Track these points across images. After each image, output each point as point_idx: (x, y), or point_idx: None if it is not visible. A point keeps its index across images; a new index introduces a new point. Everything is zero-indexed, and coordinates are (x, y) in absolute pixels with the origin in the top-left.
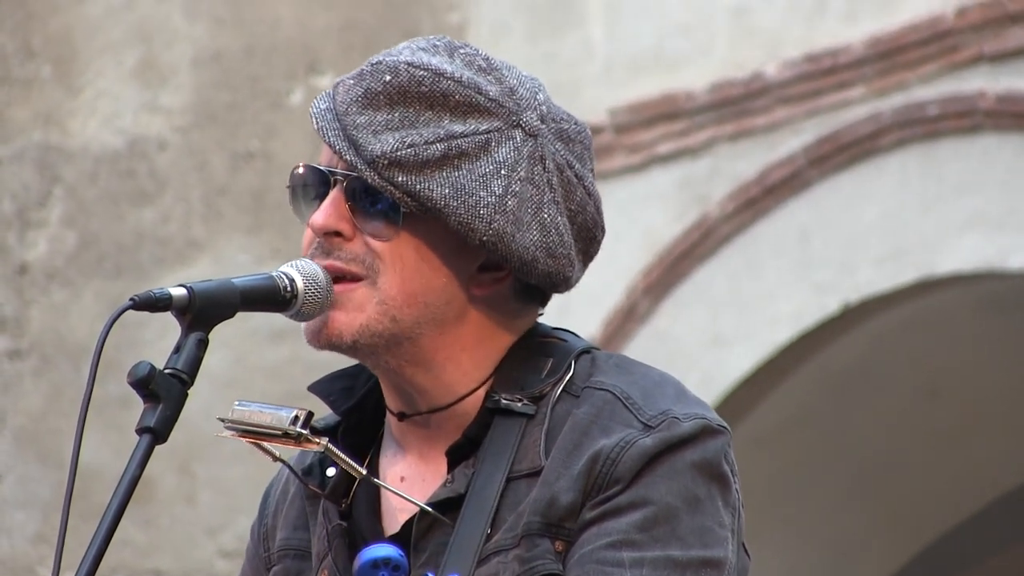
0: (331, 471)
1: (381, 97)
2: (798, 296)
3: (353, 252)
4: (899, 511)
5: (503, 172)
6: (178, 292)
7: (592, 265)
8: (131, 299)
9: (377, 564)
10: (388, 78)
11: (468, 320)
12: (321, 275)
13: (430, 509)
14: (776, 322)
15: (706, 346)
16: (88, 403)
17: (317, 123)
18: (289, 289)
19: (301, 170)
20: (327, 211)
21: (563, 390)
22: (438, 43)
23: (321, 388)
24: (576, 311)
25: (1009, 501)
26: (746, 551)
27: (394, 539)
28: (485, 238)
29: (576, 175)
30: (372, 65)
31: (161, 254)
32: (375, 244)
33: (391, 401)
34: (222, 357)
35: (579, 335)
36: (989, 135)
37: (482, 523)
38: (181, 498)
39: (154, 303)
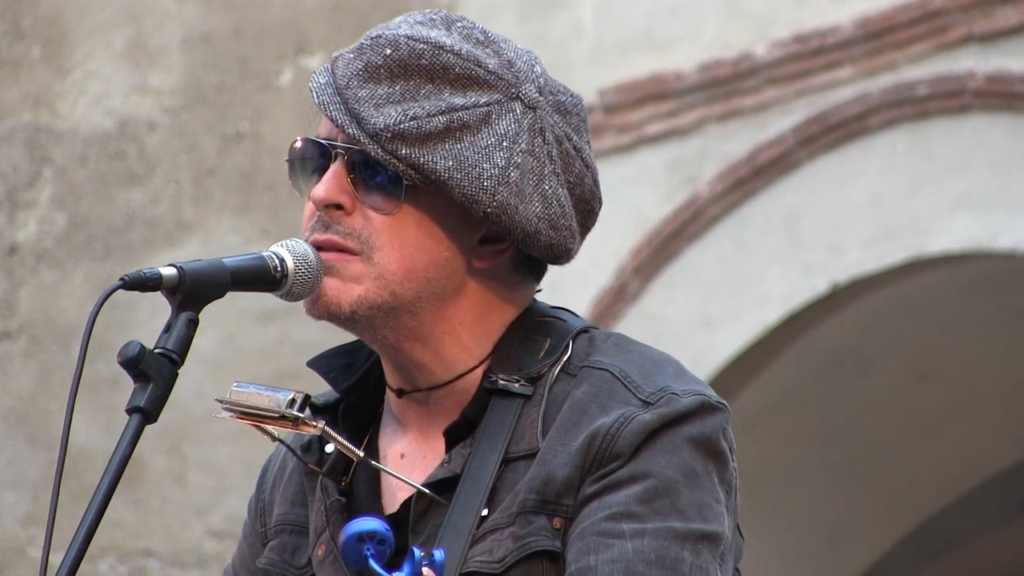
0: (329, 447)
1: (382, 70)
2: (787, 277)
3: (351, 227)
4: (888, 492)
5: (505, 144)
6: (168, 272)
7: (582, 245)
8: (121, 279)
9: (362, 537)
10: (388, 51)
11: (467, 293)
12: (311, 255)
13: (427, 491)
14: (765, 303)
15: (695, 327)
16: (78, 383)
17: (318, 97)
18: (279, 269)
19: (300, 143)
20: (328, 183)
21: (561, 370)
22: (435, 16)
23: (320, 365)
24: (566, 291)
25: (998, 482)
26: (740, 532)
27: (392, 519)
28: (489, 210)
29: (574, 147)
30: (372, 39)
31: (151, 235)
32: (375, 218)
33: (391, 377)
34: (212, 337)
35: (577, 314)
36: (978, 115)
37: (477, 503)
38: (171, 478)
39: (144, 283)
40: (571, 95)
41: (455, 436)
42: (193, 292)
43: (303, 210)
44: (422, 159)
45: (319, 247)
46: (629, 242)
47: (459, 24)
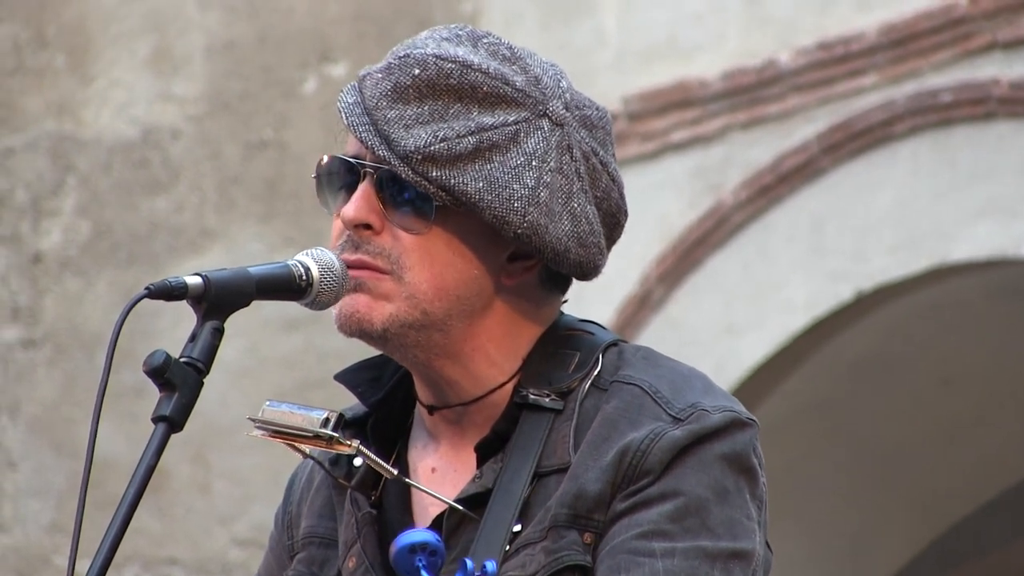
0: (358, 461)
1: (410, 91)
2: (811, 284)
3: (381, 246)
4: (913, 499)
5: (534, 164)
6: (193, 281)
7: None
8: (146, 288)
9: (415, 549)
10: (417, 71)
11: (496, 310)
12: (337, 264)
13: (459, 507)
14: (789, 310)
15: (719, 334)
16: (104, 392)
17: (346, 118)
18: (304, 278)
19: (327, 160)
20: (358, 203)
21: (591, 384)
22: (460, 32)
23: (348, 378)
24: (590, 300)
25: (1022, 489)
26: (768, 547)
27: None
28: (520, 231)
29: (601, 162)
30: (399, 58)
31: (174, 243)
32: (405, 238)
33: (422, 393)
34: (236, 346)
35: (605, 327)
36: (1003, 122)
37: (509, 518)
38: (196, 487)
39: (169, 292)
40: (596, 108)
41: (486, 451)
42: (218, 301)
43: (327, 218)
44: (453, 181)
45: (349, 266)
46: (653, 250)
47: (485, 40)
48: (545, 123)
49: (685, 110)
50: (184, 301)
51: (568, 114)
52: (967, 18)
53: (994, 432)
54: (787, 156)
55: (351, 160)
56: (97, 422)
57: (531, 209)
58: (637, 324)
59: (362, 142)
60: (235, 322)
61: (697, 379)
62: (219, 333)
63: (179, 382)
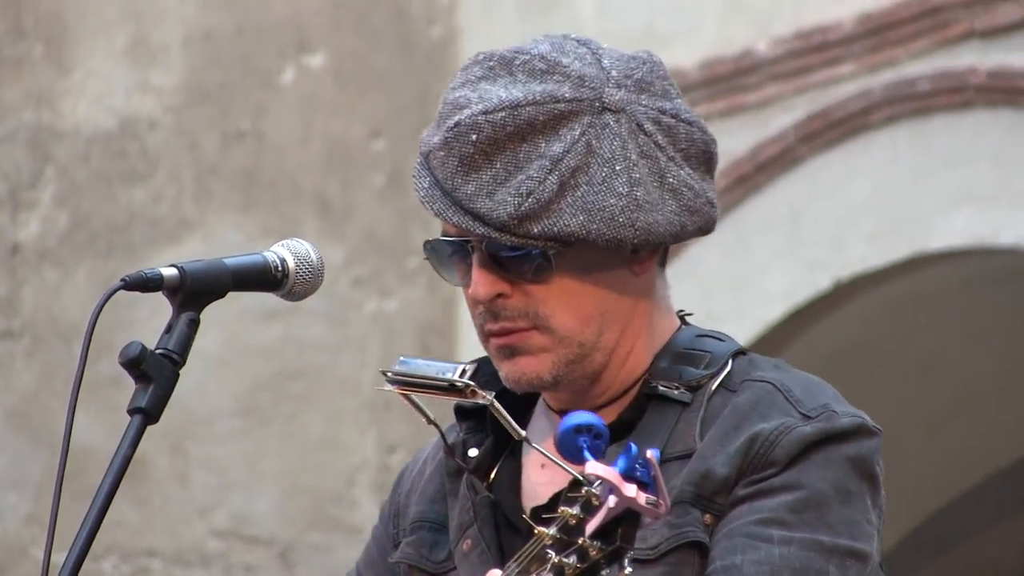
0: (473, 451)
1: (476, 157)
2: (789, 273)
3: (518, 308)
4: (894, 488)
5: (618, 167)
6: (169, 272)
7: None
8: (122, 279)
9: (580, 429)
10: (474, 137)
11: (637, 304)
12: (312, 255)
13: (581, 478)
14: (768, 299)
15: (697, 323)
16: (80, 383)
17: (431, 206)
18: (280, 269)
19: (432, 242)
20: (480, 282)
21: (720, 384)
22: (492, 63)
23: (475, 370)
24: None
25: (1002, 478)
26: (882, 567)
27: (537, 511)
28: (636, 241)
29: (672, 115)
30: (452, 129)
31: (152, 234)
32: (534, 291)
33: (555, 401)
34: (214, 337)
35: (730, 338)
36: (980, 111)
37: None
38: (174, 478)
39: (145, 283)
40: (640, 62)
41: (611, 438)
42: (194, 292)
43: (305, 208)
44: (555, 228)
45: (495, 335)
46: None
47: (518, 62)
48: (608, 117)
49: None
50: (160, 292)
51: (623, 93)
52: (944, 7)
53: (974, 420)
54: (765, 145)
55: (455, 240)
56: (73, 412)
57: (636, 216)
58: None
59: (456, 227)
60: (213, 313)
61: (828, 387)
62: (195, 324)
63: (155, 373)
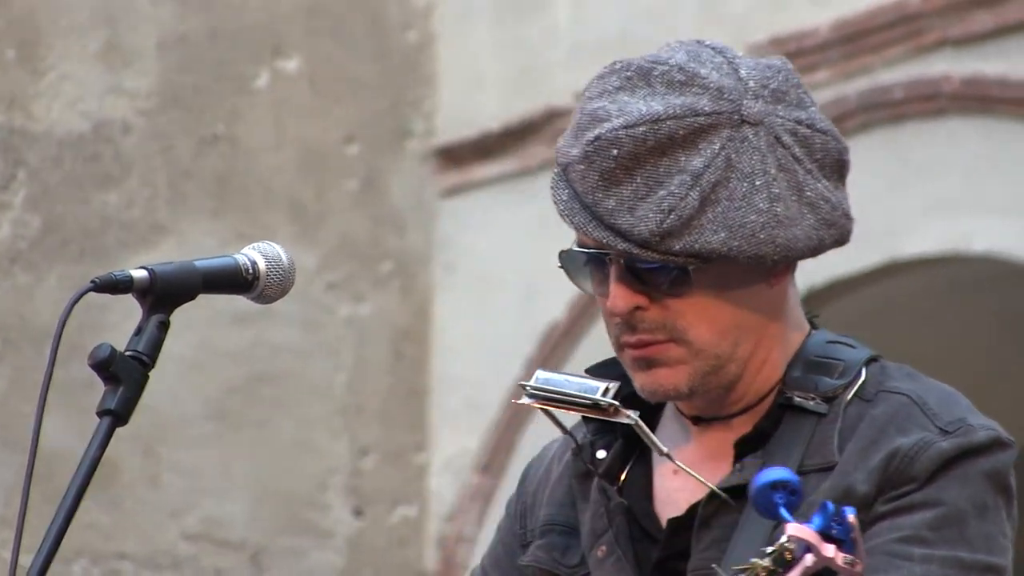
0: (601, 454)
1: (617, 172)
2: None
3: (655, 321)
4: None
5: (758, 183)
6: (139, 274)
7: (559, 244)
8: (92, 281)
9: (776, 486)
10: (615, 152)
11: (771, 315)
12: (283, 257)
13: (721, 492)
14: None
15: None
16: (48, 385)
17: (571, 219)
18: (251, 271)
19: (568, 252)
20: (618, 295)
21: (854, 394)
22: (630, 74)
23: (601, 373)
24: (543, 294)
25: None
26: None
27: (674, 522)
28: (776, 258)
29: (807, 125)
30: (592, 142)
31: (125, 237)
32: (672, 305)
33: (692, 407)
34: (187, 341)
35: (862, 344)
36: (954, 118)
37: None
38: (145, 481)
39: (115, 285)
40: (776, 71)
41: (745, 448)
42: (164, 294)
43: (278, 213)
44: (696, 245)
45: (632, 347)
46: None
47: (656, 72)
48: (748, 131)
49: None
50: (131, 295)
51: (761, 104)
52: (919, 15)
53: None
54: None
55: (595, 252)
56: (41, 414)
57: (776, 232)
58: (590, 318)
59: (597, 242)
60: (185, 316)
61: (961, 397)
62: (165, 326)
63: (124, 375)
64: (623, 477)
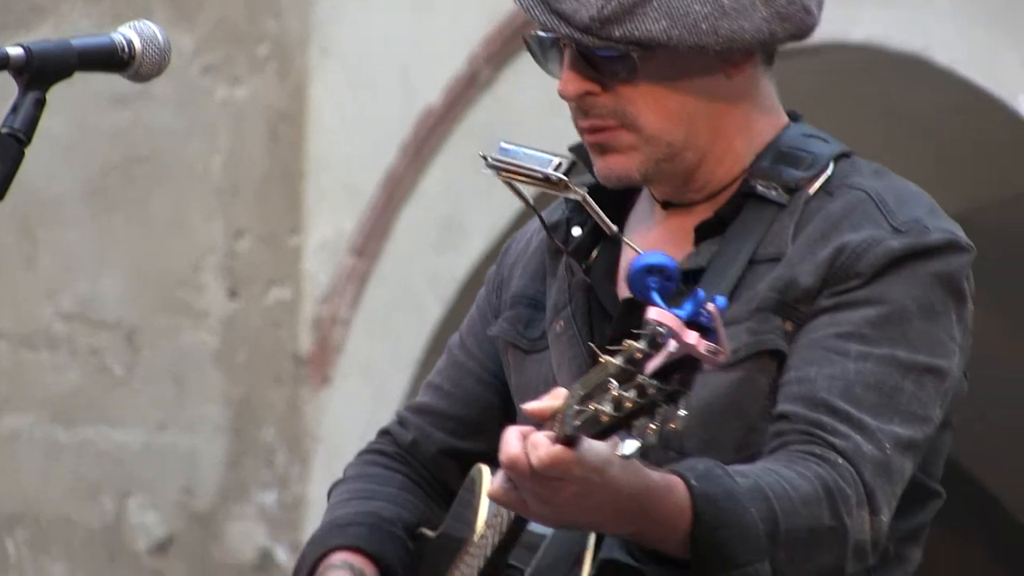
0: (576, 231)
1: None
2: None
3: (606, 107)
4: None
5: None
6: (15, 51)
7: (435, 30)
8: None
9: (651, 270)
10: None
11: (733, 103)
12: (160, 36)
13: (636, 248)
14: None
15: (545, 112)
16: None
17: (520, 2)
18: (127, 50)
19: (529, 39)
20: (568, 79)
21: (820, 187)
22: None
23: (582, 151)
24: (415, 79)
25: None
26: (965, 375)
27: (630, 302)
28: (718, 48)
29: None
30: None
31: (4, 19)
32: (622, 91)
33: (659, 191)
34: (65, 120)
35: (836, 139)
36: None
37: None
38: (21, 261)
39: None
40: None
41: (704, 233)
42: (40, 72)
43: None
44: (637, 32)
45: (587, 131)
46: (480, 32)
47: None
48: None
49: None
50: (6, 72)
51: None
52: None
53: None
54: None
55: (545, 37)
56: None
57: (720, 23)
58: (465, 103)
59: (543, 26)
60: (63, 95)
61: (924, 198)
62: (41, 104)
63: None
64: (594, 255)
